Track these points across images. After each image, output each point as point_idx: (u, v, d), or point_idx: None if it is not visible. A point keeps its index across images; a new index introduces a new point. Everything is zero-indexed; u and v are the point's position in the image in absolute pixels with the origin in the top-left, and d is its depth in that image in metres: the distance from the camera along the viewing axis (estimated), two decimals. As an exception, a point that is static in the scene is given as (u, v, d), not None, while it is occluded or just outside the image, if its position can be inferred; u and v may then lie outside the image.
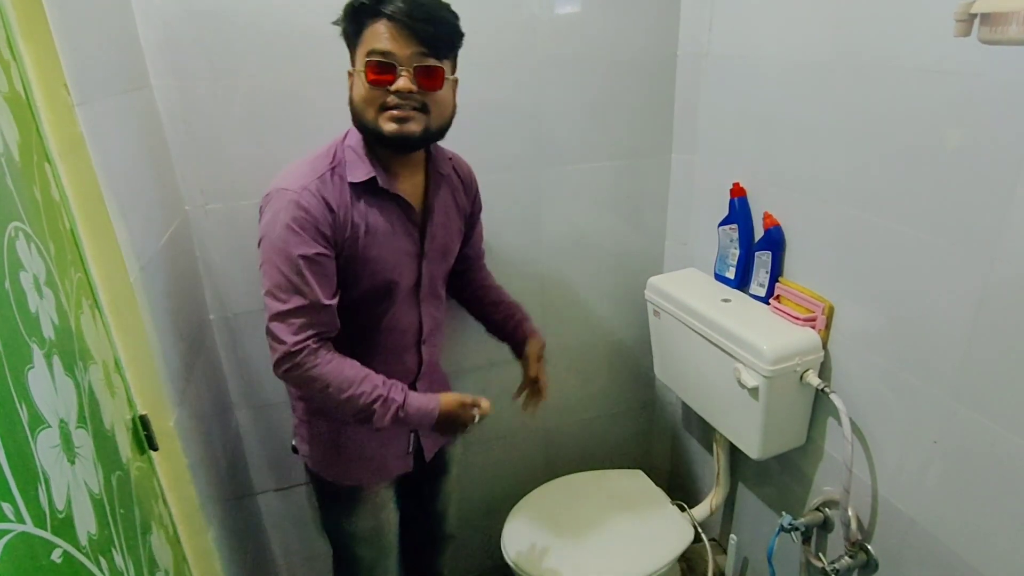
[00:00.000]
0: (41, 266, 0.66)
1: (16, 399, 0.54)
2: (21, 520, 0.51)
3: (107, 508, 0.70)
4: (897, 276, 1.08)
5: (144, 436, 0.90)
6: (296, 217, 0.98)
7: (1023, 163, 0.86)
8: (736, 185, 1.41)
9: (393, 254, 1.08)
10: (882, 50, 1.04)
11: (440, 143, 1.11)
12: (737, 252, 1.44)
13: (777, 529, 1.33)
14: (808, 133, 1.22)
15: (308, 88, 1.25)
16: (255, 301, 1.36)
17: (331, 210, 1.00)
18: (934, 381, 1.05)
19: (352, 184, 1.03)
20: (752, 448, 1.32)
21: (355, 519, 1.25)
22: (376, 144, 1.04)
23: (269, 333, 1.02)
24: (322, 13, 1.12)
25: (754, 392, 1.25)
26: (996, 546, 0.99)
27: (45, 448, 0.57)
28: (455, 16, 0.99)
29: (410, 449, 1.24)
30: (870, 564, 1.23)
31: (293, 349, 1.01)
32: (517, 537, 1.48)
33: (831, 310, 1.24)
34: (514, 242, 1.53)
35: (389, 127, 0.98)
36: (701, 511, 1.62)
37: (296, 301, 1.00)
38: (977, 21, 0.71)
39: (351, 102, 1.01)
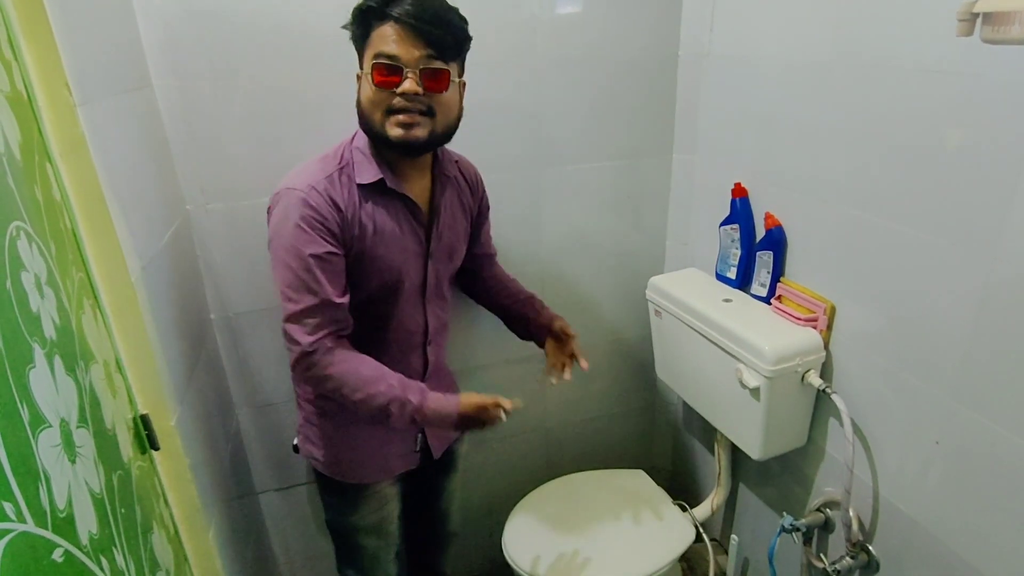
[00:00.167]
0: (42, 266, 0.66)
1: (17, 398, 0.54)
2: (22, 519, 0.51)
3: (108, 507, 0.70)
4: (898, 276, 1.08)
5: (145, 435, 0.90)
6: (305, 216, 0.98)
7: (1025, 163, 0.86)
8: (737, 185, 1.40)
9: (400, 254, 1.09)
10: (883, 50, 1.04)
11: (445, 145, 1.11)
12: (738, 252, 1.44)
13: (778, 529, 1.33)
14: (809, 133, 1.22)
15: (308, 87, 1.25)
16: (256, 301, 1.36)
17: (339, 209, 1.01)
18: (935, 381, 1.05)
19: (360, 185, 1.03)
20: (753, 448, 1.32)
21: (359, 514, 1.25)
22: (382, 148, 1.04)
23: (285, 335, 1.03)
24: (323, 13, 1.13)
25: (755, 392, 1.25)
26: (998, 547, 0.99)
27: (46, 447, 0.57)
28: (463, 20, 1.00)
29: (417, 448, 1.25)
30: (871, 565, 1.23)
31: (309, 349, 1.01)
32: (518, 536, 1.48)
33: (832, 310, 1.24)
34: (515, 242, 1.53)
35: (395, 132, 0.98)
36: (702, 511, 1.62)
37: (308, 300, 1.00)
38: (979, 21, 0.71)
39: (358, 104, 1.02)
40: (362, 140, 1.06)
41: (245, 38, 1.19)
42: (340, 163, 1.04)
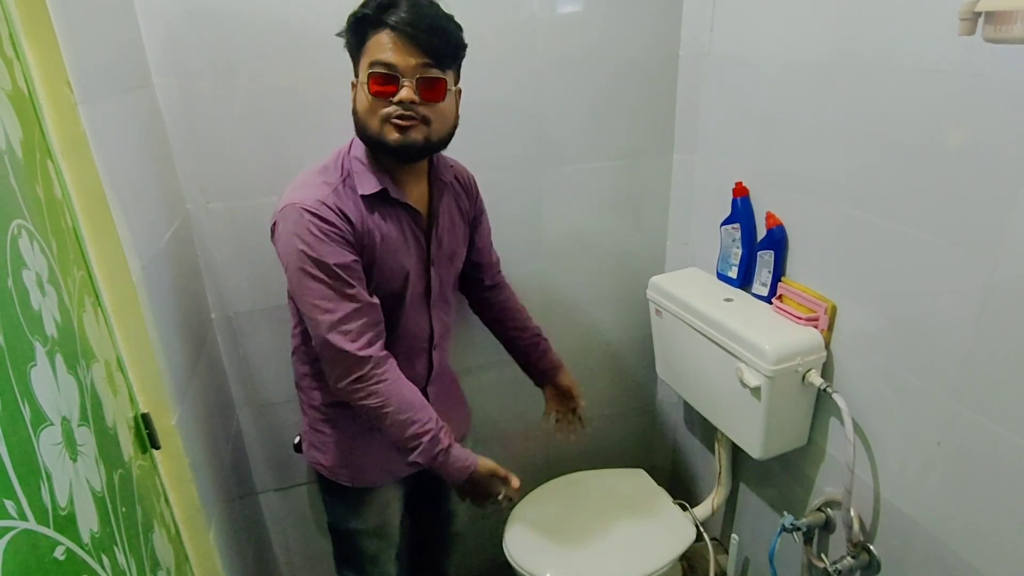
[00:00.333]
0: (43, 264, 0.66)
1: (19, 397, 0.54)
2: (24, 517, 0.51)
3: (109, 506, 0.70)
4: (900, 276, 1.08)
5: (146, 434, 0.90)
6: (322, 229, 0.98)
7: (1026, 162, 0.86)
8: (738, 184, 1.40)
9: (404, 261, 1.09)
10: (884, 50, 1.04)
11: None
12: (739, 252, 1.44)
13: (779, 529, 1.32)
14: (810, 133, 1.21)
15: (309, 87, 1.25)
16: (256, 300, 1.36)
17: (351, 222, 1.01)
18: (937, 382, 1.04)
19: (363, 196, 1.03)
20: (754, 448, 1.32)
21: (362, 517, 1.25)
22: (380, 154, 1.04)
23: (327, 347, 1.01)
24: (322, 13, 1.12)
25: (756, 392, 1.24)
26: (999, 548, 0.99)
27: (47, 446, 0.57)
28: (458, 27, 0.99)
29: None
30: (872, 565, 1.23)
31: (361, 355, 1.00)
32: (519, 536, 1.47)
33: (833, 310, 1.24)
34: (515, 242, 1.53)
35: (393, 136, 0.98)
36: (703, 510, 1.62)
37: (345, 306, 1.00)
38: (981, 19, 0.70)
39: (354, 113, 1.01)
40: (359, 149, 1.05)
41: (245, 38, 1.19)
42: (342, 174, 1.04)
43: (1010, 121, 0.87)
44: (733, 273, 1.47)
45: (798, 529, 1.31)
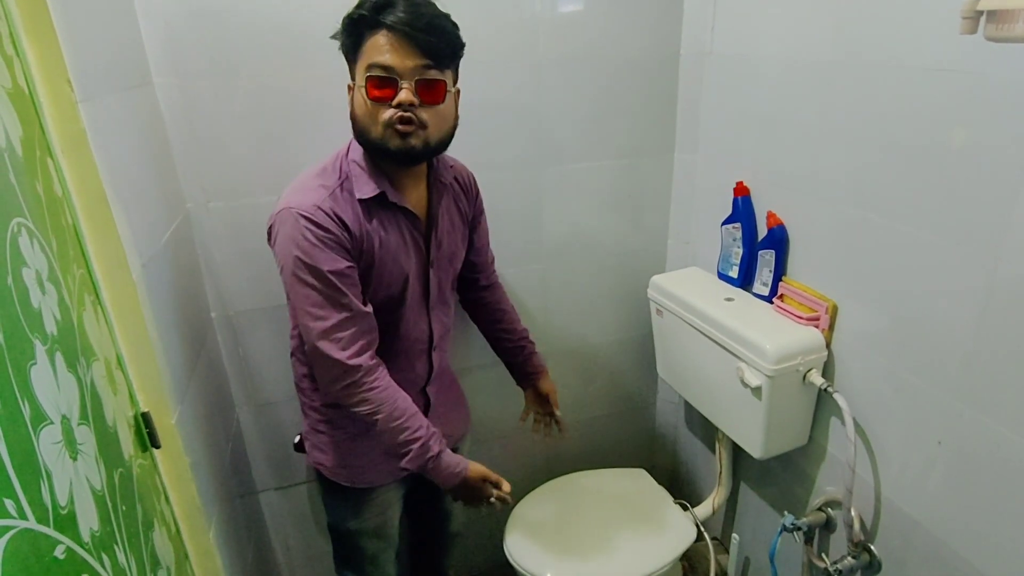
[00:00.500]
0: (43, 262, 0.66)
1: (19, 395, 0.54)
2: (24, 516, 0.51)
3: (109, 505, 0.70)
4: (901, 276, 1.08)
5: (146, 433, 0.90)
6: (317, 235, 0.97)
7: (1028, 162, 0.86)
8: (739, 184, 1.40)
9: (403, 265, 1.08)
10: (885, 49, 1.03)
11: None
12: (740, 251, 1.44)
13: (779, 529, 1.32)
14: (811, 132, 1.21)
15: (309, 86, 1.24)
16: (256, 299, 1.36)
17: (347, 227, 1.00)
18: (938, 381, 1.04)
19: (361, 200, 1.02)
20: (754, 447, 1.32)
21: (362, 517, 1.25)
22: (380, 159, 1.02)
23: (317, 354, 1.01)
24: (322, 12, 1.12)
25: (757, 391, 1.24)
26: (1001, 548, 0.99)
27: (47, 444, 0.57)
28: (455, 26, 0.97)
29: None
30: (873, 565, 1.23)
31: (350, 364, 1.00)
32: (519, 535, 1.47)
33: (835, 309, 1.23)
34: (515, 241, 1.52)
35: (394, 142, 0.96)
36: (703, 510, 1.62)
37: (337, 315, 0.99)
38: (983, 18, 0.70)
39: (353, 117, 1.00)
40: (357, 152, 1.04)
41: (246, 37, 1.18)
42: (340, 177, 1.02)
43: (1012, 120, 0.87)
44: (734, 273, 1.46)
45: (799, 529, 1.31)
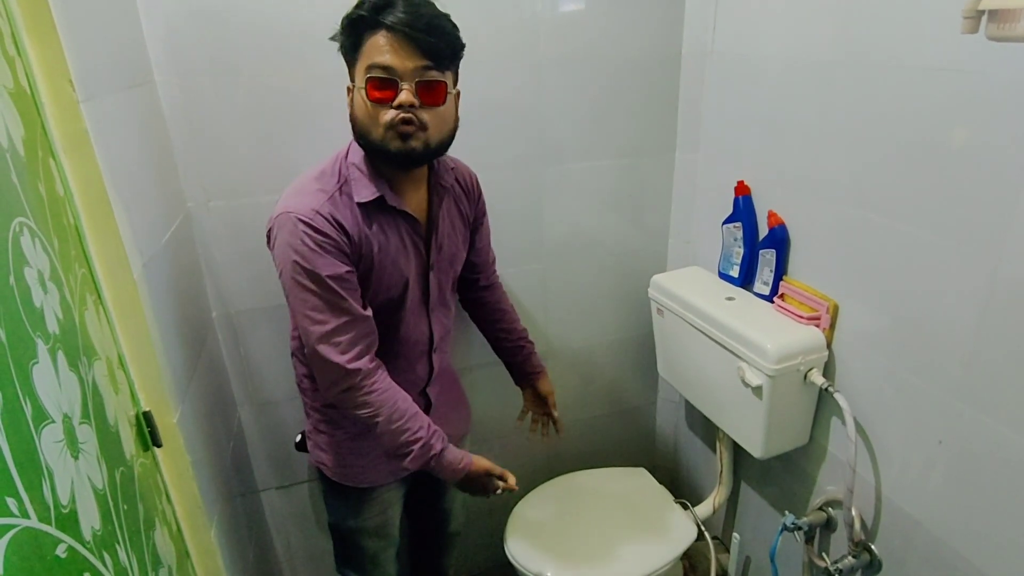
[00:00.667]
0: (45, 261, 0.66)
1: (20, 394, 0.54)
2: (26, 515, 0.51)
3: (111, 504, 0.70)
4: (902, 276, 1.08)
5: (147, 432, 0.90)
6: (316, 239, 0.97)
7: (1030, 161, 0.86)
8: (740, 183, 1.40)
9: (403, 268, 1.08)
10: (886, 48, 1.03)
11: None
12: (741, 250, 1.44)
13: (780, 528, 1.32)
14: (812, 132, 1.21)
15: (309, 85, 1.24)
16: (257, 299, 1.36)
17: (346, 232, 1.00)
18: (939, 381, 1.04)
19: (360, 203, 1.01)
20: (755, 447, 1.32)
21: (363, 517, 1.26)
22: (380, 161, 1.02)
23: (316, 358, 1.01)
24: (323, 11, 1.12)
25: (758, 391, 1.24)
26: (1001, 548, 0.99)
27: (49, 443, 0.57)
28: (455, 27, 0.97)
29: None
30: (874, 564, 1.23)
31: (349, 368, 1.00)
32: (520, 535, 1.47)
33: (835, 309, 1.23)
34: (516, 241, 1.52)
35: (395, 144, 0.96)
36: (704, 509, 1.62)
37: (337, 319, 0.99)
38: (985, 18, 0.70)
39: (353, 119, 0.99)
40: (357, 155, 1.03)
41: (247, 36, 1.18)
42: (339, 181, 1.02)
43: (1013, 120, 0.87)
44: (735, 272, 1.46)
45: (799, 528, 1.31)
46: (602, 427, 1.86)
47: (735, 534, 1.70)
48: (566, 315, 1.67)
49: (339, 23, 0.96)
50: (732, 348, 1.29)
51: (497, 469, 1.16)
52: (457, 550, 1.56)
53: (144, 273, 0.93)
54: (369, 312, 1.04)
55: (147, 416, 0.90)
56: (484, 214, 1.27)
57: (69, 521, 0.59)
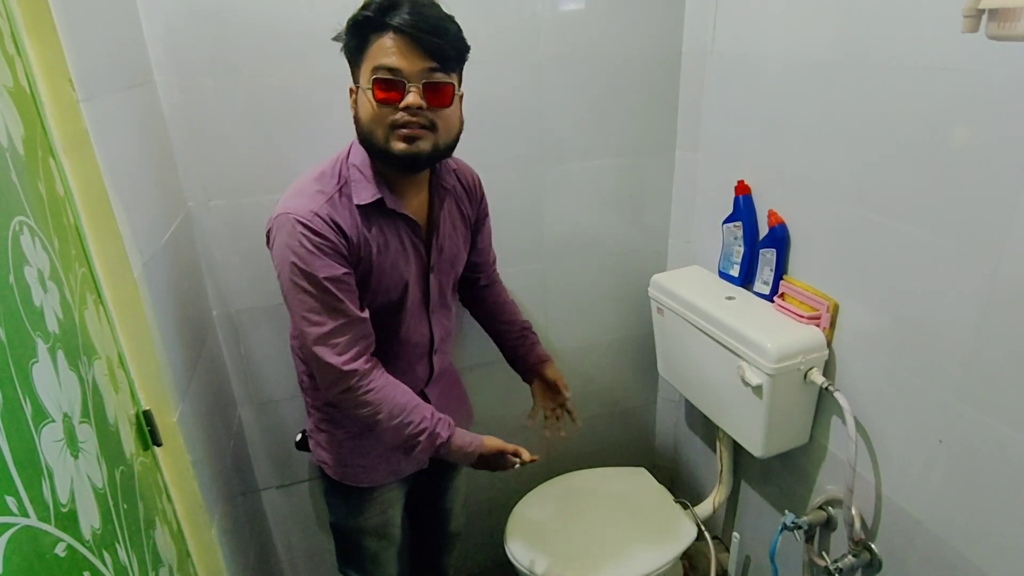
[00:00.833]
0: (45, 261, 0.66)
1: (20, 393, 0.54)
2: (25, 514, 0.51)
3: (111, 503, 0.70)
4: (903, 275, 1.08)
5: (147, 431, 0.90)
6: (313, 241, 0.96)
7: (1030, 160, 0.86)
8: (740, 183, 1.40)
9: (402, 270, 1.08)
10: (887, 47, 1.03)
11: None
12: (741, 250, 1.44)
13: (780, 527, 1.32)
14: (813, 131, 1.21)
15: (310, 85, 1.24)
16: (257, 298, 1.37)
17: (344, 234, 0.99)
18: (939, 381, 1.04)
19: (359, 205, 1.01)
20: (755, 446, 1.32)
21: (364, 516, 1.26)
22: (384, 164, 1.01)
23: (314, 359, 1.01)
24: (323, 11, 1.12)
25: (758, 390, 1.24)
26: (1003, 547, 0.99)
27: (49, 442, 0.58)
28: (459, 28, 0.97)
29: None
30: (874, 563, 1.23)
31: (346, 369, 1.00)
32: (520, 534, 1.48)
33: (836, 308, 1.23)
34: (516, 240, 1.52)
35: (399, 147, 0.95)
36: (704, 509, 1.62)
37: (333, 321, 0.99)
38: (985, 17, 0.70)
39: (357, 120, 0.99)
40: (358, 156, 1.03)
41: (247, 36, 1.18)
42: (338, 182, 1.01)
43: (1014, 119, 0.86)
44: (735, 271, 1.46)
45: (799, 527, 1.31)
46: (602, 427, 1.86)
47: (735, 533, 1.70)
48: (566, 314, 1.67)
49: (342, 23, 0.96)
50: (732, 347, 1.29)
51: (510, 446, 1.15)
52: (458, 550, 1.56)
53: (144, 272, 0.93)
54: (366, 314, 1.04)
55: (147, 415, 0.90)
56: (486, 215, 1.26)
57: (69, 520, 0.59)
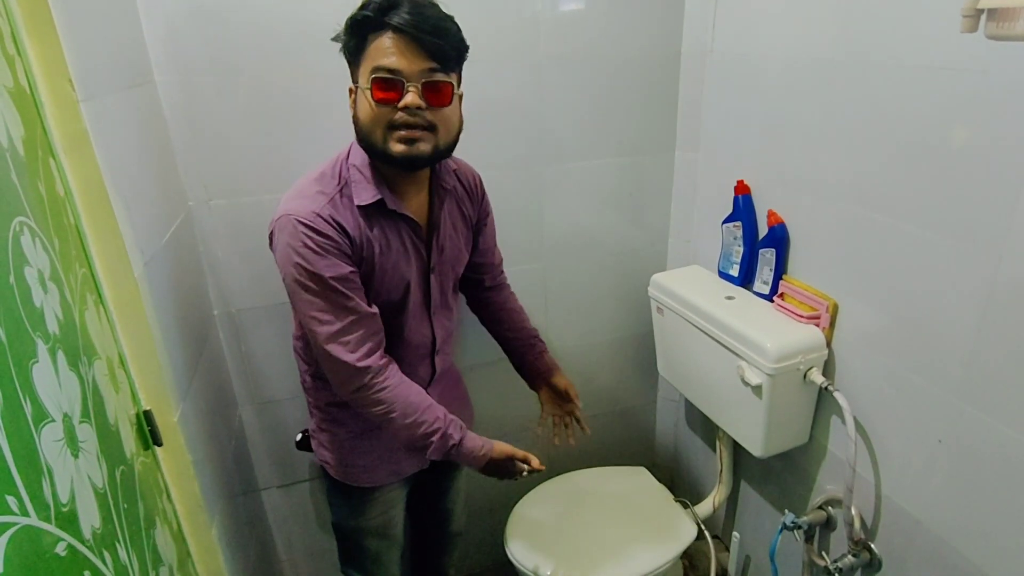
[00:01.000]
0: (46, 261, 0.66)
1: (20, 393, 0.54)
2: (25, 513, 0.51)
3: (111, 502, 0.70)
4: (902, 274, 1.08)
5: (148, 431, 0.90)
6: (317, 242, 0.96)
7: (1029, 160, 0.86)
8: (740, 182, 1.40)
9: (403, 271, 1.08)
10: (887, 48, 1.03)
11: None
12: (741, 249, 1.44)
13: (780, 527, 1.32)
14: (812, 131, 1.21)
15: (310, 84, 1.25)
16: (258, 297, 1.37)
17: (347, 234, 0.99)
18: (939, 380, 1.04)
19: (360, 206, 1.01)
20: (755, 446, 1.32)
21: (366, 516, 1.26)
22: (383, 163, 1.01)
23: (326, 358, 1.01)
24: (323, 11, 1.12)
25: (757, 390, 1.24)
26: (1003, 547, 0.99)
27: (49, 442, 0.58)
28: (459, 28, 0.96)
29: None
30: (873, 563, 1.23)
31: (359, 365, 1.00)
32: (520, 534, 1.48)
33: (835, 308, 1.23)
34: (516, 240, 1.52)
35: (398, 148, 0.95)
36: (704, 508, 1.62)
37: (343, 318, 0.99)
38: (984, 17, 0.70)
39: (356, 121, 0.98)
40: (358, 156, 1.02)
41: (247, 35, 1.19)
42: (339, 183, 1.01)
43: (1014, 118, 0.86)
44: (735, 271, 1.46)
45: (799, 527, 1.31)
46: (602, 426, 1.86)
47: (735, 533, 1.70)
48: (566, 314, 1.67)
49: (342, 23, 0.95)
50: (732, 347, 1.29)
51: (520, 453, 1.15)
52: (459, 550, 1.56)
53: (145, 272, 0.94)
54: (375, 309, 1.04)
55: (147, 415, 0.90)
56: (488, 214, 1.26)
57: (69, 520, 0.59)
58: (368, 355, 1.01)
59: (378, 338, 1.04)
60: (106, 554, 0.66)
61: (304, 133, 1.27)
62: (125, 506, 0.74)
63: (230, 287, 1.35)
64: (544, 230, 1.56)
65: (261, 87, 1.22)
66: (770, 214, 1.33)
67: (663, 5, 1.43)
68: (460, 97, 1.02)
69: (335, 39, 0.98)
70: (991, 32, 0.70)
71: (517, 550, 1.43)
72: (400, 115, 0.93)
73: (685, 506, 1.56)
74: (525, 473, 1.17)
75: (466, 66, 1.03)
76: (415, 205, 1.09)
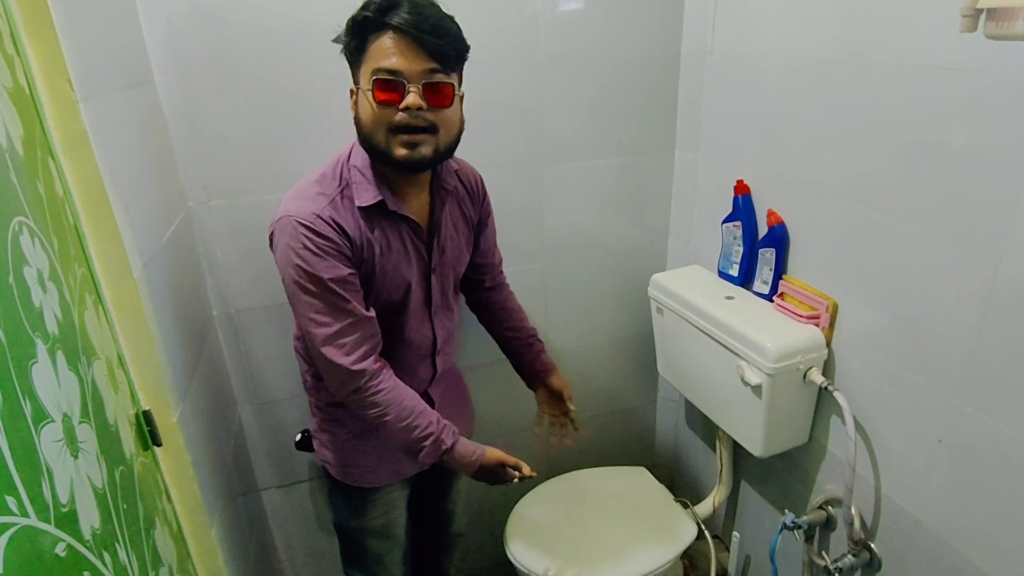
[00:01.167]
0: (45, 261, 0.66)
1: (20, 393, 0.54)
2: (25, 514, 0.51)
3: (110, 503, 0.70)
4: (902, 274, 1.08)
5: (147, 431, 0.90)
6: (316, 243, 0.96)
7: (1029, 160, 0.86)
8: (740, 182, 1.40)
9: (404, 272, 1.08)
10: (887, 48, 1.03)
11: None
12: (741, 249, 1.44)
13: (780, 527, 1.32)
14: (812, 130, 1.21)
15: (309, 84, 1.24)
16: (258, 297, 1.37)
17: (347, 235, 0.99)
18: (939, 380, 1.04)
19: (360, 207, 1.01)
20: (755, 446, 1.32)
21: (367, 517, 1.26)
22: (384, 165, 1.01)
23: (322, 360, 1.01)
24: (323, 11, 1.12)
25: (757, 390, 1.24)
26: (1002, 547, 0.99)
27: (48, 442, 0.58)
28: (459, 28, 0.96)
29: None
30: (873, 563, 1.23)
31: (355, 369, 1.00)
32: (520, 534, 1.48)
33: (835, 308, 1.23)
34: (516, 240, 1.52)
35: (400, 152, 0.95)
36: (704, 508, 1.62)
37: (340, 321, 0.99)
38: (983, 16, 0.70)
39: (357, 122, 0.98)
40: (359, 157, 1.02)
41: (247, 35, 1.18)
42: (340, 184, 1.01)
43: (1014, 118, 0.86)
44: (734, 271, 1.46)
45: (799, 527, 1.31)
46: (602, 426, 1.86)
47: (735, 533, 1.70)
48: (566, 314, 1.67)
49: (342, 24, 0.95)
50: (732, 347, 1.29)
51: (511, 459, 1.16)
52: (460, 550, 1.56)
53: (144, 272, 0.94)
54: (372, 313, 1.04)
55: (147, 415, 0.90)
56: (489, 215, 1.26)
57: (68, 520, 0.59)
58: (363, 358, 1.02)
59: (374, 341, 1.04)
60: (106, 554, 0.66)
61: (304, 133, 1.27)
62: (125, 506, 0.74)
63: (229, 287, 1.35)
64: (544, 230, 1.56)
65: (261, 87, 1.22)
66: (770, 214, 1.33)
67: (663, 5, 1.44)
68: (461, 98, 1.01)
69: (336, 40, 0.98)
70: (991, 32, 0.70)
71: (517, 550, 1.43)
72: (401, 116, 0.93)
73: (685, 506, 1.56)
74: (516, 480, 1.17)
75: (466, 66, 1.03)
76: (416, 206, 1.09)
